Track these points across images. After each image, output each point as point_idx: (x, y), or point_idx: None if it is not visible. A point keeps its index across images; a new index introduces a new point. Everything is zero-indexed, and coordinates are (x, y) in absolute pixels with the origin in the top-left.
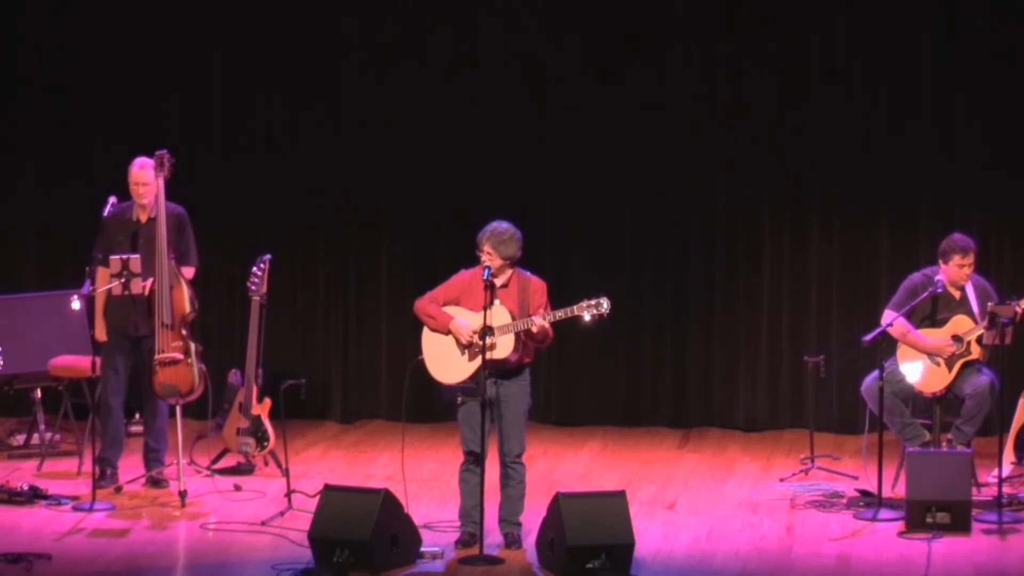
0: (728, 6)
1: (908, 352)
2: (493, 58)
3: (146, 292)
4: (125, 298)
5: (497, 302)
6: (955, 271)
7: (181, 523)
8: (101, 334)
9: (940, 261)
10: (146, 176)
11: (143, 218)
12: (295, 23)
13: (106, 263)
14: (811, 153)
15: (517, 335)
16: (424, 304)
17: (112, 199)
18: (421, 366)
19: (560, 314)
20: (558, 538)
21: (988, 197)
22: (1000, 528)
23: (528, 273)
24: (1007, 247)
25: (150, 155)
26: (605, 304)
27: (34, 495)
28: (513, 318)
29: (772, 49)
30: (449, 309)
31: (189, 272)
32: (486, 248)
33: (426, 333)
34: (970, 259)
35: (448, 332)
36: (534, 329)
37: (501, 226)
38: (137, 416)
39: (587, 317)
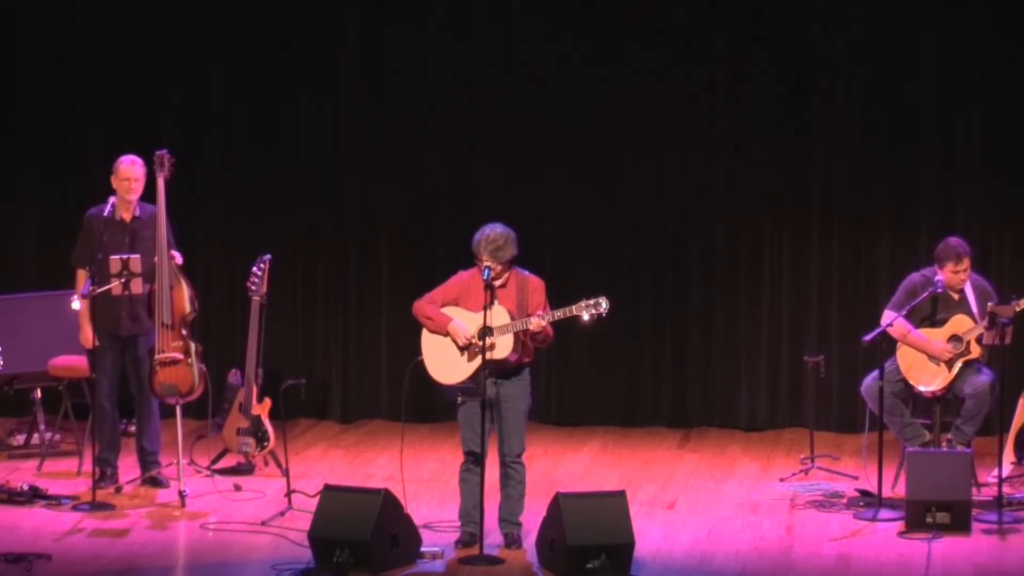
0: (729, 8)
1: (908, 353)
2: (493, 59)
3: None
4: (110, 299)
5: (496, 302)
6: (950, 276)
7: (181, 523)
8: (89, 340)
9: (936, 265)
10: (137, 172)
11: (127, 217)
12: (296, 24)
13: (102, 265)
14: (811, 152)
15: (516, 335)
16: (422, 305)
17: (112, 199)
18: (420, 366)
19: (559, 314)
20: (558, 538)
21: (988, 197)
22: (1000, 528)
23: (527, 272)
24: (1007, 247)
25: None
26: (604, 304)
27: (34, 495)
28: (512, 318)
29: (773, 50)
30: (448, 310)
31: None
32: (484, 257)
33: (425, 334)
34: (964, 265)
35: (446, 334)
36: (533, 328)
37: (495, 231)
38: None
39: (586, 317)
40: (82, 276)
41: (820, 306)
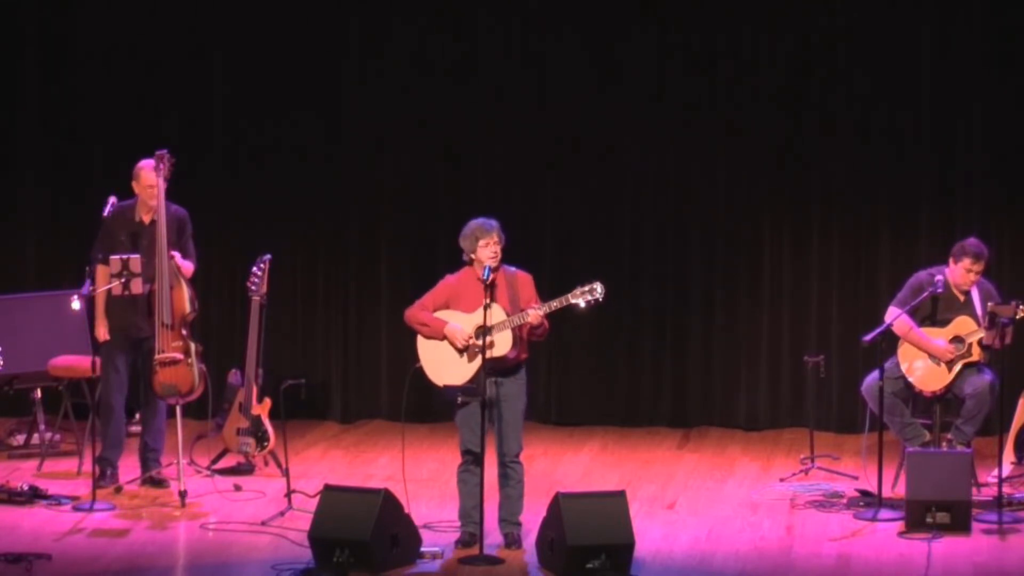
0: (729, 8)
1: (910, 351)
2: (493, 59)
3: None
4: (126, 298)
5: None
6: (962, 274)
7: (181, 523)
8: (104, 333)
9: (951, 260)
10: (156, 177)
11: (147, 219)
12: (295, 26)
13: (106, 263)
14: (811, 153)
15: (513, 330)
16: (415, 312)
17: (112, 199)
18: (420, 373)
19: (555, 304)
20: (558, 538)
21: (988, 197)
22: (1000, 528)
23: (513, 268)
24: (1007, 247)
25: (150, 155)
26: (599, 289)
27: (34, 495)
28: (507, 314)
29: (773, 50)
30: (441, 314)
31: (189, 270)
32: (495, 238)
33: (420, 340)
34: (980, 266)
35: (443, 338)
36: (532, 321)
37: (484, 218)
38: (137, 416)
39: (582, 304)
40: (103, 272)
41: (820, 306)
